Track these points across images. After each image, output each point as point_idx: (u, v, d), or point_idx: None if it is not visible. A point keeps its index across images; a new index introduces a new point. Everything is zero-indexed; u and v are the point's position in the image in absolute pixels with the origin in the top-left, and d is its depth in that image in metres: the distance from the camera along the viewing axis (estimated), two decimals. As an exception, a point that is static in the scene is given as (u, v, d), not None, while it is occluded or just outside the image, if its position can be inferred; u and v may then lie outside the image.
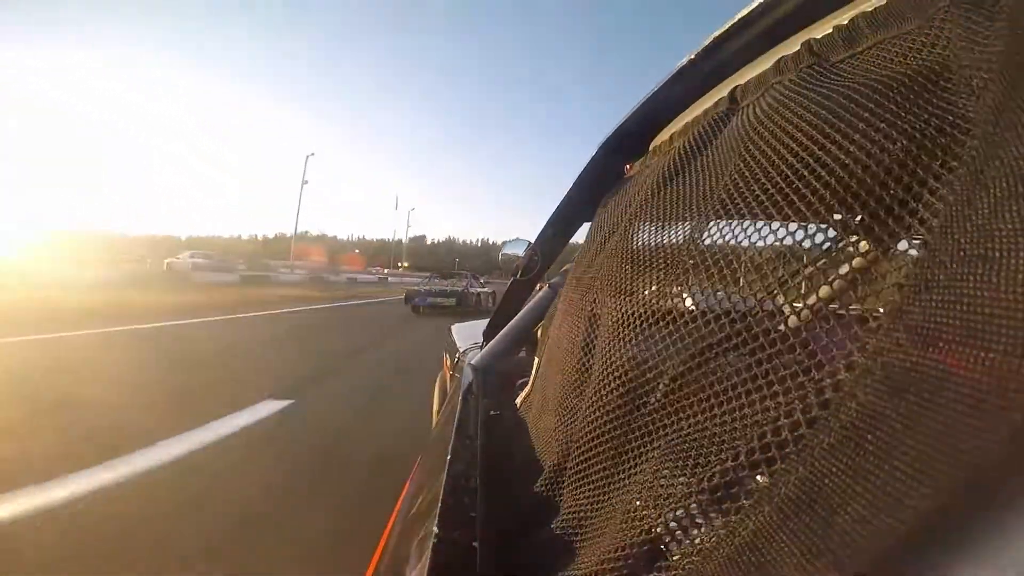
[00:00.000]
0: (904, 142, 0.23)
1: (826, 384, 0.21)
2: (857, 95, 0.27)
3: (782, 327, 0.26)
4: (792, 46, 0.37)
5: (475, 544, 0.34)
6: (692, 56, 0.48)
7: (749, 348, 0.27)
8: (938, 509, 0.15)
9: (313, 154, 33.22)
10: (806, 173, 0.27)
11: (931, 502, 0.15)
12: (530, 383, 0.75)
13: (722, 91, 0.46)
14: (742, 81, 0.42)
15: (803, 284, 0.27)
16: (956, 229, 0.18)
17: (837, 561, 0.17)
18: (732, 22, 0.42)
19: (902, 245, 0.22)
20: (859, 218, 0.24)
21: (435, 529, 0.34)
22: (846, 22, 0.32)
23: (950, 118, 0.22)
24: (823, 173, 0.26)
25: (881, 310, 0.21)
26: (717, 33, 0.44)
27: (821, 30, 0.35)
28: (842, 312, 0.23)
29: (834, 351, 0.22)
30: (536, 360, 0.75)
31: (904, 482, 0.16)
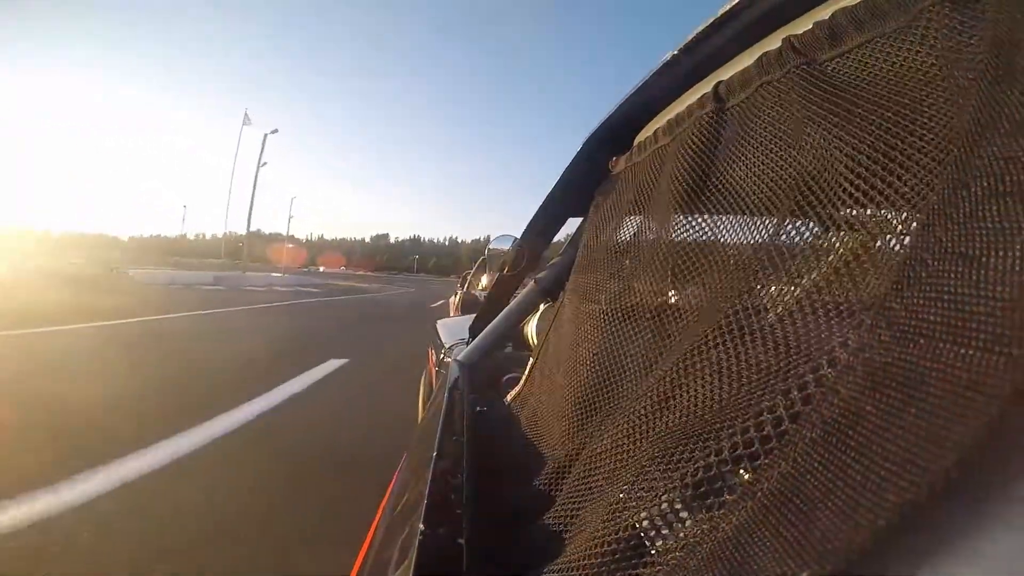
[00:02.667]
0: (892, 144, 0.24)
1: (808, 379, 0.22)
2: (847, 101, 0.28)
3: (766, 323, 0.26)
4: (773, 42, 0.37)
5: (461, 541, 0.33)
6: (676, 52, 0.48)
7: (734, 343, 0.27)
8: (919, 504, 0.15)
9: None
10: (802, 174, 0.27)
11: (912, 496, 0.15)
12: (523, 380, 0.75)
13: (704, 87, 0.46)
14: (725, 77, 0.42)
15: (789, 281, 0.27)
16: (938, 227, 0.18)
17: (818, 556, 0.17)
18: (714, 17, 0.42)
19: (884, 242, 0.22)
20: (845, 217, 0.25)
21: (420, 526, 0.34)
22: (827, 18, 0.32)
23: (938, 117, 0.23)
24: (817, 173, 0.26)
25: (863, 307, 0.21)
26: (700, 28, 0.44)
27: (802, 26, 0.36)
28: (825, 308, 0.24)
29: (816, 347, 0.22)
30: (532, 359, 0.75)
31: (885, 477, 0.16)
